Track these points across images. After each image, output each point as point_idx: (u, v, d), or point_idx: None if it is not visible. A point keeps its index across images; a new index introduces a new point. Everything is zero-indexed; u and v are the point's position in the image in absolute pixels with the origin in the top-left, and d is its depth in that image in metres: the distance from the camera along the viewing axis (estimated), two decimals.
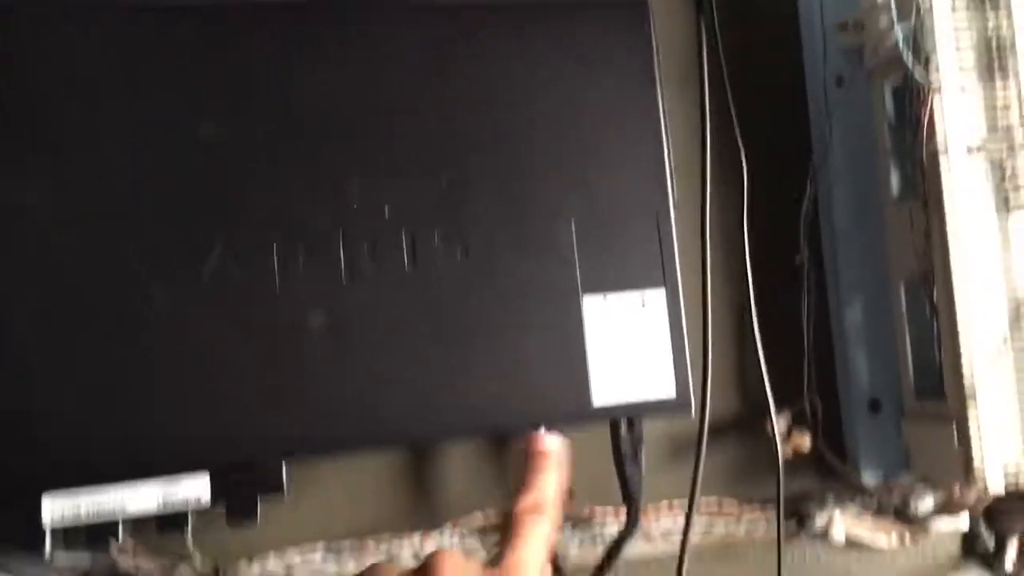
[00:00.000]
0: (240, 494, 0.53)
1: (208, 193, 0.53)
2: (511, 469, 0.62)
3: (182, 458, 0.52)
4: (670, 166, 0.57)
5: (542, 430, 0.51)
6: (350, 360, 0.53)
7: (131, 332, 0.51)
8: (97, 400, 0.51)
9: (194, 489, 0.51)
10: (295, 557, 0.59)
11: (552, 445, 0.47)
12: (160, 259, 0.52)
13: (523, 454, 0.47)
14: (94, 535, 0.52)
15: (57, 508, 0.50)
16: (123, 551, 0.55)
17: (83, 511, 0.50)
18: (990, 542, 0.68)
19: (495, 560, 0.43)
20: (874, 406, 0.64)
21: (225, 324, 0.52)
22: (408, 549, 0.61)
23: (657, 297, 0.56)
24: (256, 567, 0.58)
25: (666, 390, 0.55)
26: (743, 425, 0.65)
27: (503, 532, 0.44)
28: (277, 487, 0.54)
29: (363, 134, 0.54)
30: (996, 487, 0.56)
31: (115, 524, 0.52)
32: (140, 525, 0.55)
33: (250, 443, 0.52)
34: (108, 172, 0.52)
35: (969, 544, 0.69)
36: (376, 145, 0.54)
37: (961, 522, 0.66)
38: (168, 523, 0.53)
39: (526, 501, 0.45)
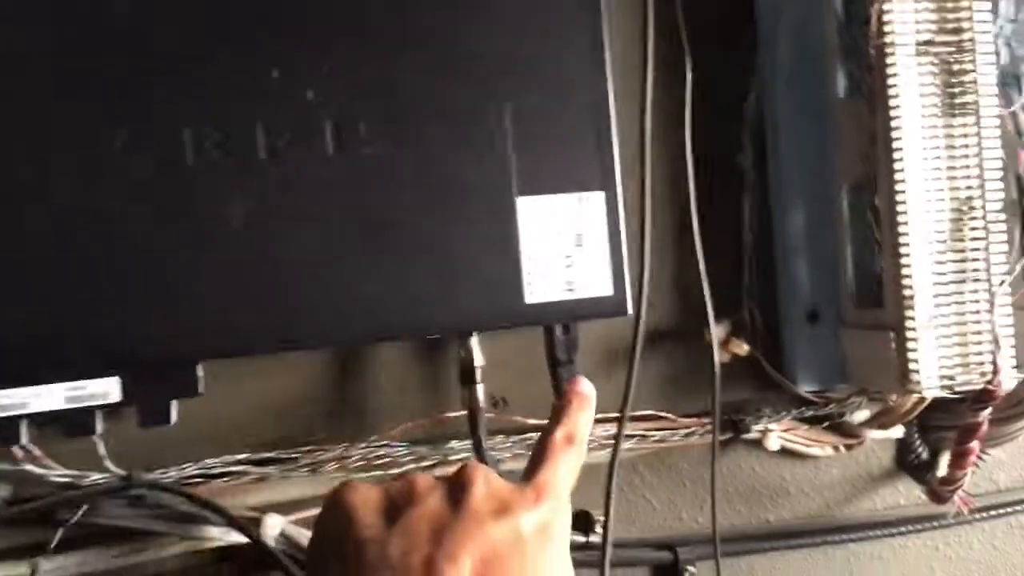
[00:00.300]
0: (153, 396, 0.50)
1: (113, 73, 0.49)
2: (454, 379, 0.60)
3: (88, 360, 0.49)
4: (610, 58, 0.54)
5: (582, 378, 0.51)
6: (270, 255, 0.50)
7: (28, 222, 0.48)
8: None
9: (102, 386, 0.48)
10: (215, 466, 0.57)
11: (590, 390, 0.49)
12: (60, 144, 0.48)
13: (563, 392, 0.49)
14: None
15: None
16: (28, 455, 0.52)
17: None
18: (924, 454, 0.68)
19: (524, 478, 0.45)
20: (812, 315, 0.63)
21: (133, 214, 0.49)
22: (335, 460, 0.58)
23: (595, 198, 0.54)
24: (172, 473, 0.55)
25: (602, 288, 0.53)
26: (680, 335, 0.63)
27: (534, 455, 0.46)
28: (192, 390, 0.51)
29: (284, 11, 0.50)
30: (932, 392, 0.56)
31: (17, 426, 0.49)
32: (47, 430, 0.52)
33: (162, 343, 0.49)
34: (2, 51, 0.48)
35: (902, 455, 0.69)
36: (297, 22, 0.50)
37: (895, 433, 0.66)
38: (76, 426, 0.50)
39: (562, 431, 0.47)
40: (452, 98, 0.52)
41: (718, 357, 0.58)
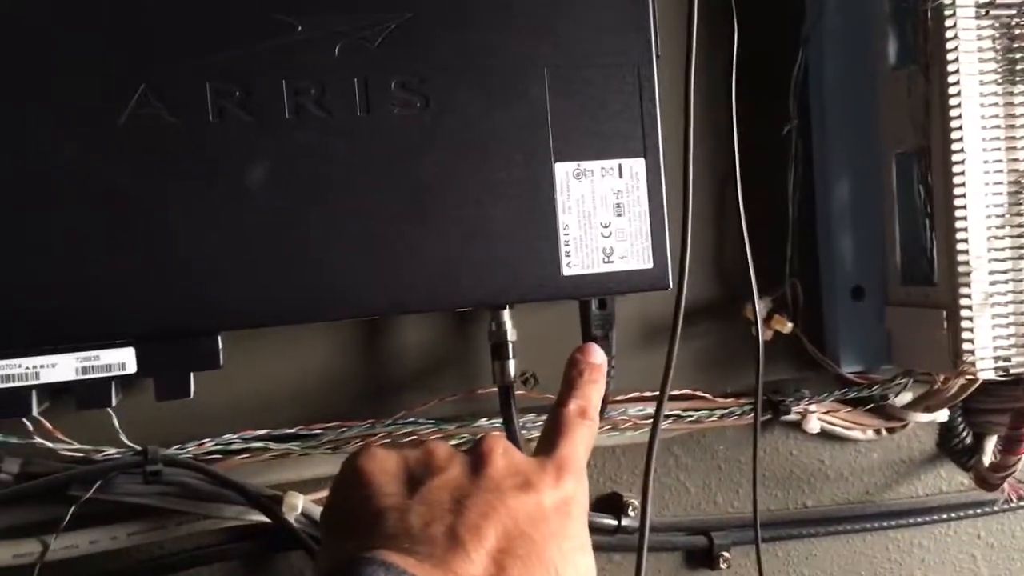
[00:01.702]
0: (171, 368, 0.48)
1: (128, 25, 0.46)
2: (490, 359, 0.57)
3: (104, 329, 0.46)
4: (654, 18, 0.51)
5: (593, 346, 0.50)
6: (295, 220, 0.47)
7: (42, 182, 0.45)
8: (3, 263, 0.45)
9: (117, 357, 0.46)
10: (234, 442, 0.54)
11: (601, 359, 0.49)
12: (74, 101, 0.45)
13: (573, 360, 0.48)
14: (3, 408, 0.46)
15: None
16: (39, 428, 0.49)
17: None
18: (967, 438, 0.65)
19: (541, 452, 0.44)
20: (857, 293, 0.61)
21: (151, 175, 0.46)
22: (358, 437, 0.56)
23: (636, 165, 0.51)
24: (190, 449, 0.53)
25: (642, 261, 0.51)
26: (717, 311, 0.61)
27: (548, 429, 0.46)
28: (212, 362, 0.48)
29: None
30: (987, 374, 0.53)
31: (28, 397, 0.46)
32: (59, 402, 0.50)
33: (181, 312, 0.47)
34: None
35: (945, 439, 0.66)
36: None
37: (940, 416, 0.63)
38: (89, 398, 0.47)
39: (576, 405, 0.46)
40: (488, 58, 0.49)
41: (762, 335, 0.55)
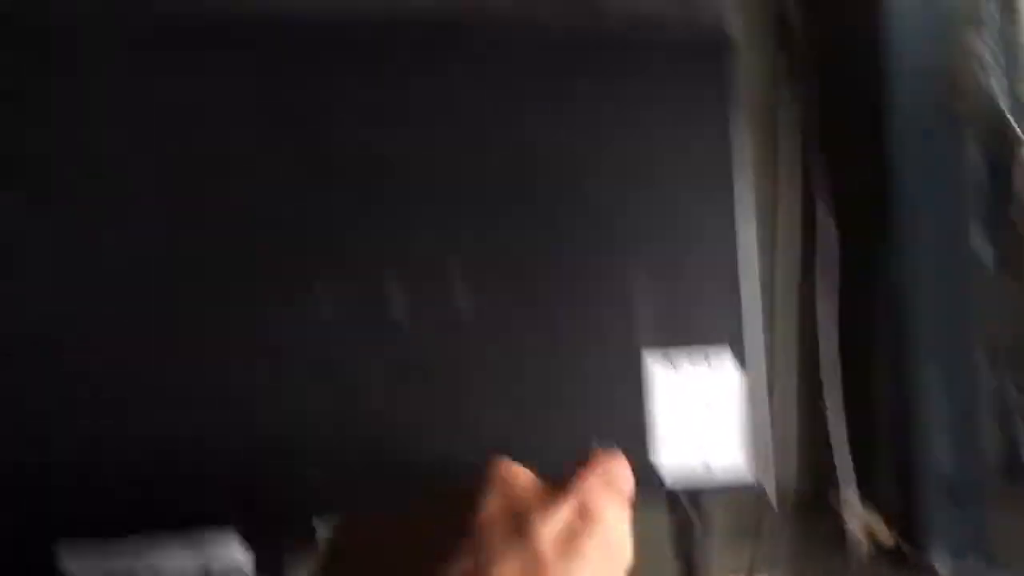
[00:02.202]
0: (269, 549, 0.49)
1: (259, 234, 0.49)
2: None
3: (207, 511, 0.48)
4: (743, 213, 0.53)
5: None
6: (398, 411, 0.49)
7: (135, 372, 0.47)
8: (112, 447, 0.47)
9: (231, 554, 0.48)
10: None
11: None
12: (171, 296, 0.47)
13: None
14: None
15: (81, 567, 0.46)
16: None
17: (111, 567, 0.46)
18: None
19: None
20: (954, 490, 0.59)
21: (267, 371, 0.48)
22: None
23: (726, 356, 0.52)
24: None
25: (740, 472, 0.50)
26: (803, 500, 0.60)
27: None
28: (309, 542, 0.50)
29: (429, 171, 0.50)
30: None
31: None
32: None
33: (282, 499, 0.48)
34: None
35: None
36: (436, 181, 0.50)
37: None
38: None
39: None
40: (586, 256, 0.51)
41: (858, 537, 0.54)
